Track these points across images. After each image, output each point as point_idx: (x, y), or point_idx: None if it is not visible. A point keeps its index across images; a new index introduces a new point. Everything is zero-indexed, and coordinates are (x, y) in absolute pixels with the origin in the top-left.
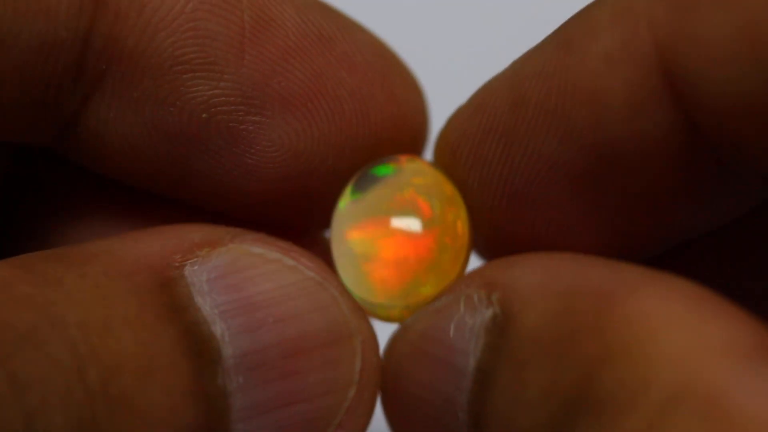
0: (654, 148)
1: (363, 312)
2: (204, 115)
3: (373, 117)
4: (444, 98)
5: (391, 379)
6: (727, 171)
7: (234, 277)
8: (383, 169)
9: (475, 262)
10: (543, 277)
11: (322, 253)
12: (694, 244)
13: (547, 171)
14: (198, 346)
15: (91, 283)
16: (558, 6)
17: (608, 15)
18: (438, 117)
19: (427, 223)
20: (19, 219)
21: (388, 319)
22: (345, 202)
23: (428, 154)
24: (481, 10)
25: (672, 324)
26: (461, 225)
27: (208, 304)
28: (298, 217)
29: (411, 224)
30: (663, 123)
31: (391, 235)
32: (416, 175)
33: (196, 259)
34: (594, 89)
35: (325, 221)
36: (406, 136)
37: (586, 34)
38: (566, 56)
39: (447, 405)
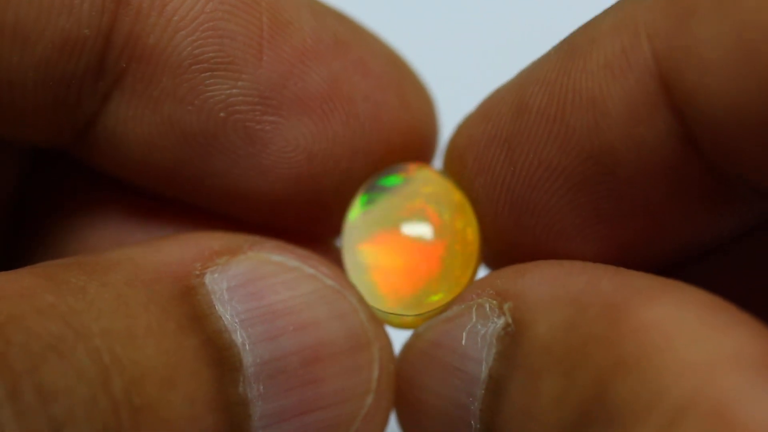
0: (651, 157)
1: (380, 320)
2: (221, 115)
3: (386, 121)
4: (453, 106)
5: (404, 388)
6: (725, 183)
7: (254, 285)
8: (392, 180)
9: (481, 271)
10: (554, 287)
11: (335, 261)
12: (707, 257)
13: (547, 177)
14: (219, 354)
15: (114, 293)
16: (567, 15)
17: (610, 25)
18: (448, 125)
19: (436, 232)
20: (36, 223)
21: (400, 326)
22: (355, 214)
23: (438, 161)
24: (490, 19)
25: (683, 334)
26: (471, 232)
27: (228, 312)
28: (310, 222)
29: (421, 233)
30: (660, 131)
31: (401, 245)
32: (425, 184)
33: (216, 267)
34: (594, 96)
35: (337, 229)
36: (416, 142)
37: (588, 43)
38: (568, 63)
39: (460, 413)
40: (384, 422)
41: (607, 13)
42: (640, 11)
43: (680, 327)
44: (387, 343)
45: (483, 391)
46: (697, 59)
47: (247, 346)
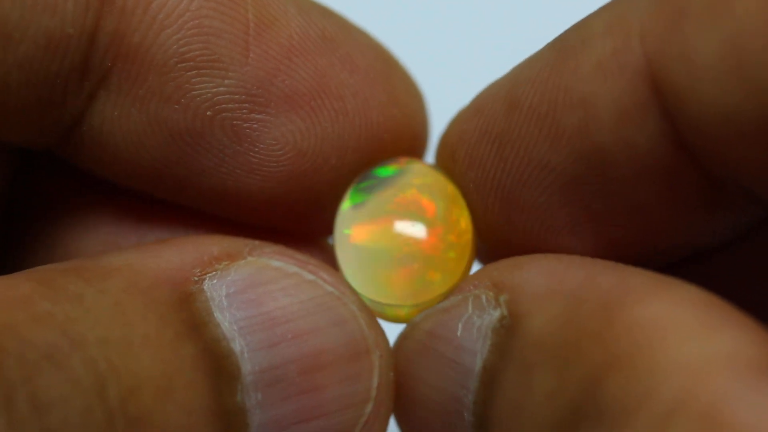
0: (642, 158)
1: (381, 327)
2: (208, 113)
3: (375, 117)
4: (442, 102)
5: (398, 378)
6: (717, 185)
7: (253, 291)
8: (385, 171)
9: (475, 266)
10: (551, 280)
11: (327, 259)
12: (701, 258)
13: (537, 175)
14: (217, 362)
15: (112, 300)
16: (560, 13)
17: (602, 25)
18: (437, 120)
19: (430, 222)
20: (26, 225)
21: (396, 319)
22: (348, 205)
23: (429, 157)
24: (479, 14)
25: (677, 333)
26: (465, 222)
27: (227, 319)
28: (301, 221)
29: (415, 223)
30: (651, 133)
31: (396, 235)
32: (418, 175)
33: (215, 273)
34: (584, 97)
35: (329, 227)
36: (406, 138)
37: (580, 43)
38: (560, 63)
39: (453, 404)
40: (383, 430)
41: (599, 13)
42: (633, 12)
43: (675, 325)
44: (387, 350)
45: (477, 384)
46: (688, 63)
47: (245, 354)
